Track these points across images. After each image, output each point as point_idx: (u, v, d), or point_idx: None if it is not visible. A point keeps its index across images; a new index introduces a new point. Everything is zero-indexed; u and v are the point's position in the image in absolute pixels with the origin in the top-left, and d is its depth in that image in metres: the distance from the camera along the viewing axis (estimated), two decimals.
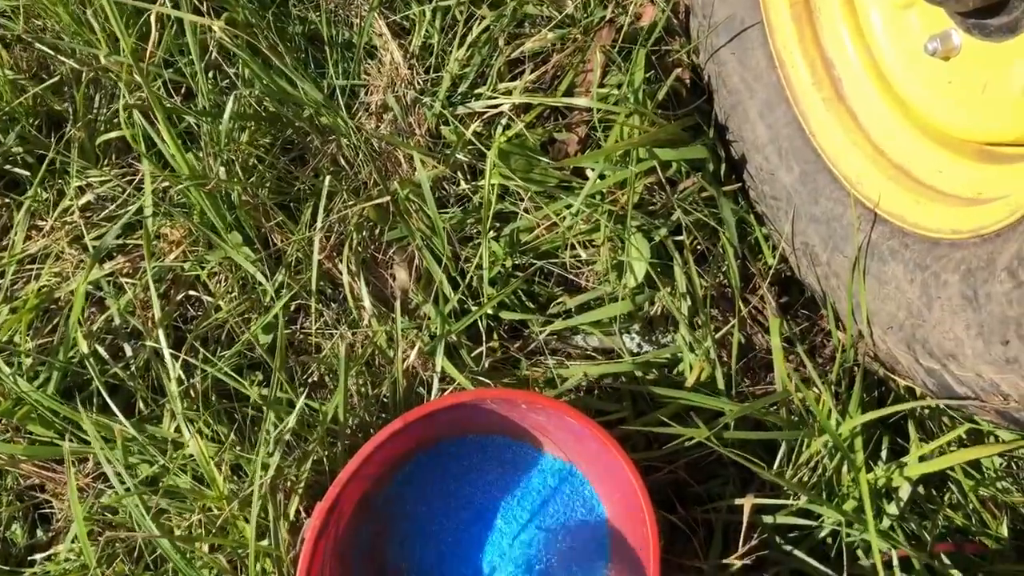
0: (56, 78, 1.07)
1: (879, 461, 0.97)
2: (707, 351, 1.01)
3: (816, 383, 0.97)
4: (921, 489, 0.97)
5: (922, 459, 0.94)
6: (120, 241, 1.05)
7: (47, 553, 0.99)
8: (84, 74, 1.07)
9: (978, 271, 0.77)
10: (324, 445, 0.95)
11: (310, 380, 1.04)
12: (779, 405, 0.98)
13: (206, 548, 0.91)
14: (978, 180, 0.85)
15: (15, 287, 1.06)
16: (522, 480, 0.98)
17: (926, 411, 0.99)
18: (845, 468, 0.94)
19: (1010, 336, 0.74)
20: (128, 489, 0.90)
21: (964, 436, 0.95)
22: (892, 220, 0.90)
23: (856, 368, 0.96)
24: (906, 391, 0.98)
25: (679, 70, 1.08)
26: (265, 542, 0.89)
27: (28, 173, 1.09)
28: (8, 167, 1.08)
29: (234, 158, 1.05)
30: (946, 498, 0.98)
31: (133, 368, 1.02)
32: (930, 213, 0.87)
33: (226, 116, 1.00)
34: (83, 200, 1.06)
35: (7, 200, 1.09)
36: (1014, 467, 1.01)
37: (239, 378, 0.97)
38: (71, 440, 0.96)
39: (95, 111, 1.09)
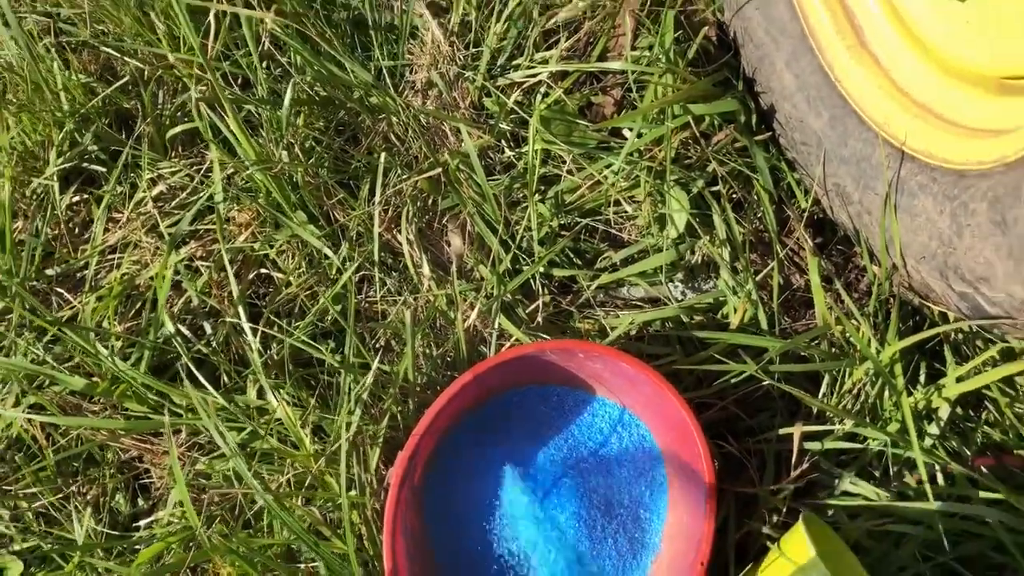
0: (124, 78, 1.14)
1: (918, 385, 1.03)
2: (749, 293, 1.07)
3: (855, 315, 1.03)
4: (959, 410, 1.03)
5: (959, 380, 0.99)
6: (192, 227, 1.13)
7: (150, 519, 1.08)
8: (147, 72, 1.14)
9: (1005, 197, 0.83)
10: (397, 403, 1.03)
11: (378, 345, 1.11)
12: (820, 339, 1.04)
13: (299, 502, 0.99)
14: (999, 112, 0.90)
15: (98, 276, 1.14)
16: (580, 424, 1.05)
17: (960, 335, 1.04)
18: (887, 393, 1.00)
19: None
20: (229, 451, 0.98)
21: (997, 356, 1.00)
22: (919, 156, 0.95)
23: (892, 299, 1.02)
24: (940, 317, 1.04)
25: (706, 28, 1.13)
26: (352, 493, 0.97)
27: (103, 169, 1.17)
28: (85, 164, 1.16)
29: (293, 141, 1.11)
30: (983, 416, 1.04)
31: (214, 344, 1.09)
32: (955, 147, 0.92)
33: (286, 103, 1.07)
34: (156, 191, 1.13)
35: (86, 196, 1.17)
36: None
37: (316, 345, 1.04)
38: (165, 414, 1.04)
39: (160, 107, 1.16)
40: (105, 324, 1.10)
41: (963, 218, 0.88)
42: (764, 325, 1.06)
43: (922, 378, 1.03)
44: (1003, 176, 0.83)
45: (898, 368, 1.00)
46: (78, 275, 1.15)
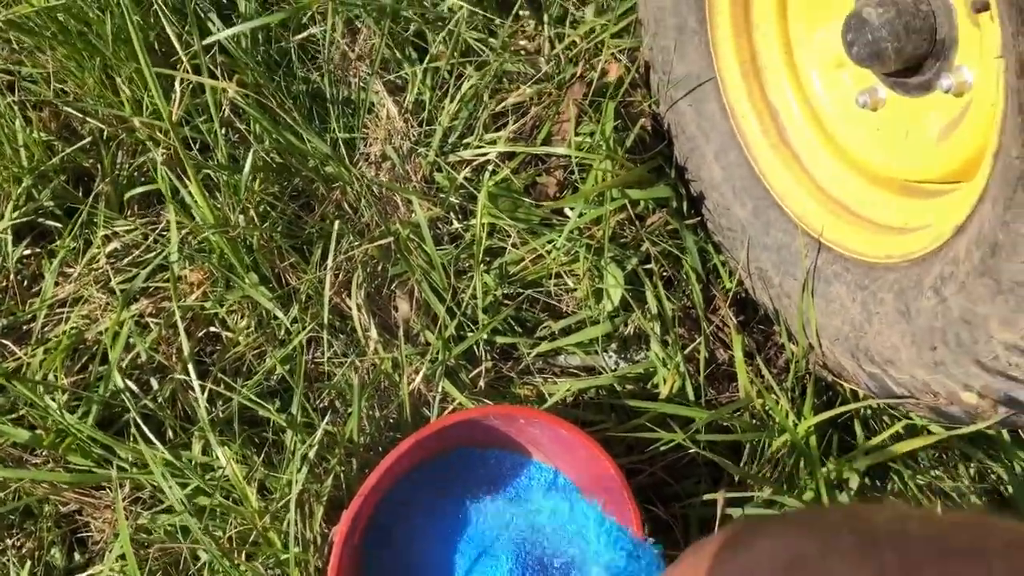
0: (88, 138, 1.17)
1: (831, 456, 1.11)
2: (677, 365, 1.14)
3: (775, 390, 1.11)
4: (867, 480, 1.12)
5: (867, 452, 1.08)
6: (144, 284, 1.15)
7: (86, 574, 1.08)
8: (107, 132, 1.17)
9: (909, 289, 0.92)
10: (341, 463, 1.06)
11: (323, 405, 1.14)
12: (743, 410, 1.12)
13: (242, 557, 1.01)
14: (906, 212, 1.01)
15: (45, 329, 1.15)
16: (517, 486, 1.10)
17: (869, 412, 1.14)
18: (802, 463, 1.08)
19: (937, 343, 0.89)
20: (172, 507, 1.00)
21: (902, 431, 1.09)
22: (834, 247, 1.04)
23: (808, 376, 1.11)
24: (851, 394, 1.13)
25: (643, 120, 1.22)
26: (296, 549, 1.00)
27: (59, 224, 1.19)
28: (40, 220, 1.18)
29: (249, 205, 1.16)
30: (889, 487, 1.13)
31: (160, 400, 1.11)
32: (866, 241, 1.01)
33: (246, 169, 1.11)
34: (109, 247, 1.16)
35: (38, 250, 1.18)
36: (945, 457, 1.16)
37: (263, 403, 1.07)
38: (109, 467, 1.05)
39: (119, 167, 1.19)
40: (51, 377, 1.11)
41: (872, 306, 0.97)
42: (691, 396, 1.14)
43: (835, 450, 1.12)
44: (908, 270, 0.93)
45: (813, 440, 1.08)
46: (24, 327, 1.16)
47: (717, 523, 1.04)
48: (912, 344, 0.92)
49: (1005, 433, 1.13)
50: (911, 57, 0.93)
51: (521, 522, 1.07)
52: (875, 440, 1.08)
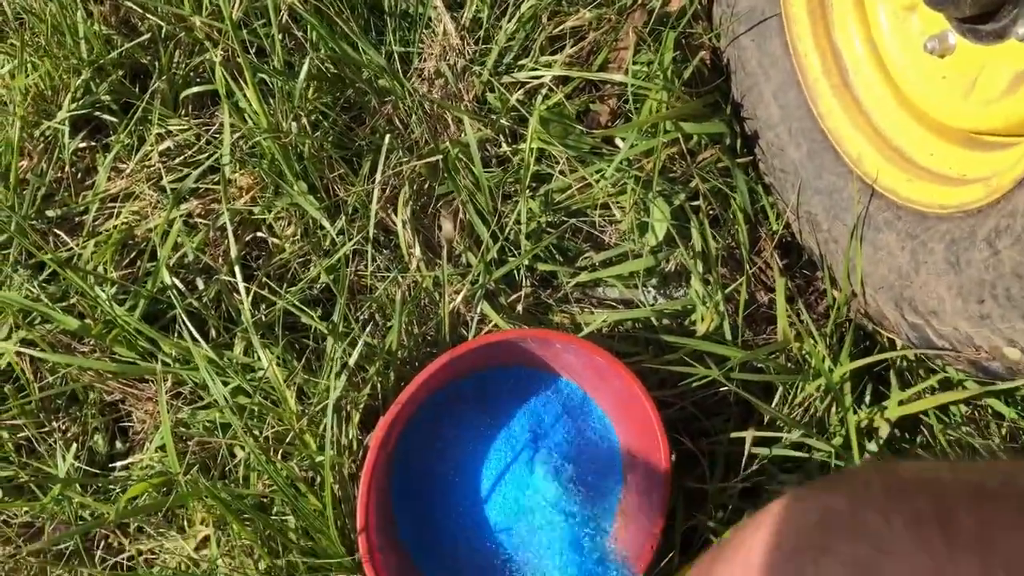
0: (147, 35, 1.17)
1: (864, 405, 1.11)
2: (717, 304, 1.14)
3: (813, 334, 1.11)
4: (898, 431, 1.12)
5: (900, 403, 1.08)
6: (194, 185, 1.17)
7: (127, 461, 1.12)
8: (165, 30, 1.18)
9: (961, 241, 0.91)
10: (379, 373, 1.08)
11: (363, 318, 1.16)
12: (779, 353, 1.12)
13: (279, 457, 1.04)
14: (964, 163, 0.99)
15: (97, 223, 1.17)
16: (547, 404, 1.11)
17: (905, 363, 1.13)
18: (834, 409, 1.08)
19: (985, 296, 0.88)
20: (211, 403, 1.02)
21: (936, 385, 1.09)
22: (887, 195, 1.03)
23: (848, 324, 1.10)
24: (890, 344, 1.12)
25: (703, 52, 1.20)
26: (331, 452, 1.02)
27: (114, 119, 1.20)
28: (97, 113, 1.19)
29: (302, 113, 1.16)
30: (919, 439, 1.13)
31: (206, 300, 1.14)
32: (921, 190, 1.00)
33: (302, 76, 1.12)
34: (163, 146, 1.17)
35: (93, 144, 1.20)
36: (977, 415, 1.16)
37: (306, 309, 1.09)
38: (154, 361, 1.08)
39: (176, 66, 1.19)
40: (101, 269, 1.13)
41: (922, 256, 0.96)
42: (728, 335, 1.14)
43: (868, 399, 1.12)
44: (961, 221, 0.92)
45: (847, 387, 1.08)
46: (76, 219, 1.18)
47: (744, 460, 1.05)
48: (958, 296, 0.91)
49: None
50: (988, 2, 0.90)
51: (549, 440, 1.09)
52: (909, 391, 1.08)
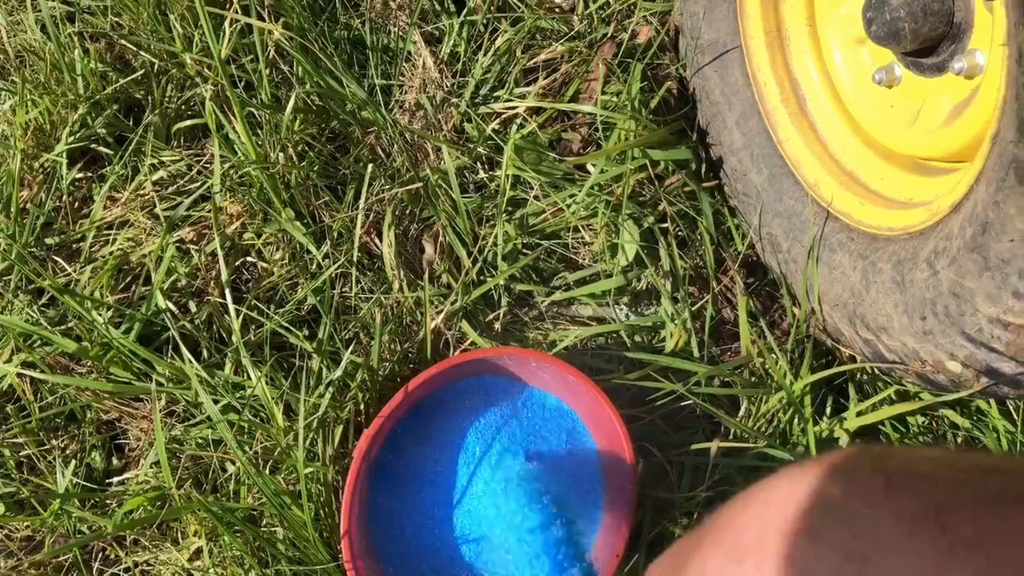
0: (140, 71, 1.24)
1: (824, 416, 1.17)
2: (684, 321, 1.20)
3: (775, 350, 1.17)
4: (857, 441, 1.18)
5: (858, 414, 1.14)
6: (187, 212, 1.23)
7: (123, 476, 1.17)
8: (157, 66, 1.24)
9: (905, 261, 0.97)
10: (362, 390, 1.14)
11: (348, 337, 1.22)
12: (743, 368, 1.18)
13: (267, 471, 1.09)
14: (911, 188, 1.05)
15: (94, 249, 1.23)
16: (527, 418, 1.16)
17: (864, 376, 1.19)
18: (796, 420, 1.14)
19: (927, 313, 0.94)
20: (204, 421, 1.08)
21: (893, 396, 1.15)
22: (841, 217, 1.09)
23: (807, 339, 1.16)
24: (849, 359, 1.18)
25: (669, 82, 1.27)
26: (314, 467, 1.08)
27: (110, 151, 1.26)
28: (93, 145, 1.25)
29: (288, 144, 1.22)
30: None
31: (198, 322, 1.19)
32: (872, 213, 1.06)
33: (288, 109, 1.18)
34: (156, 176, 1.23)
35: (89, 175, 1.26)
36: (934, 426, 1.22)
37: (293, 330, 1.15)
38: (148, 381, 1.14)
39: (168, 100, 1.26)
40: (97, 294, 1.19)
41: (871, 275, 1.03)
42: (695, 352, 1.20)
43: (828, 411, 1.18)
44: (906, 243, 0.98)
45: (807, 400, 1.14)
46: (74, 246, 1.24)
47: (709, 469, 1.11)
48: (904, 313, 0.97)
49: (994, 406, 1.18)
50: (927, 38, 0.96)
51: (529, 450, 1.13)
52: (867, 403, 1.13)
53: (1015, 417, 1.17)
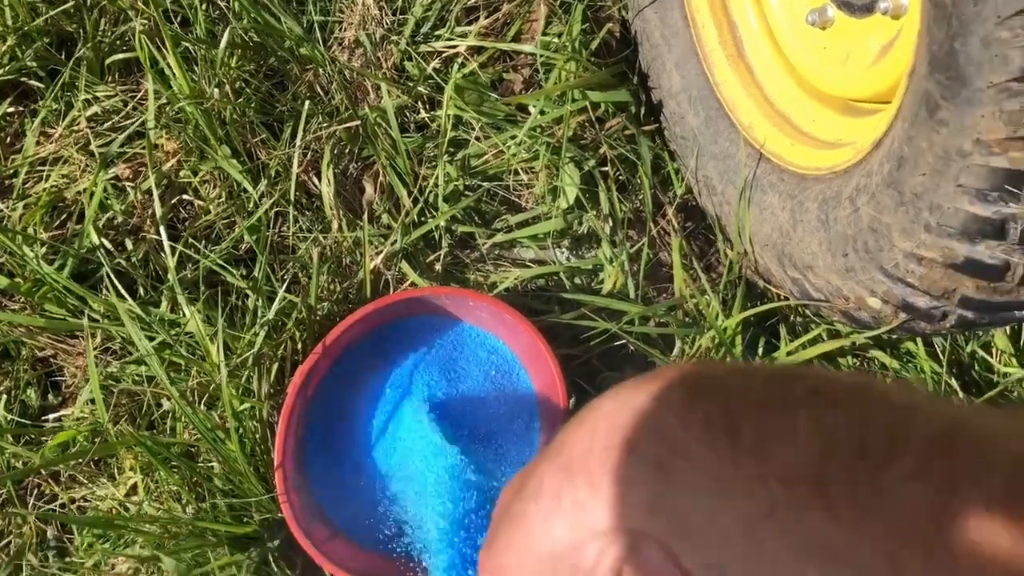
0: (71, 2, 1.21)
1: (756, 356, 1.19)
2: (622, 264, 1.22)
3: (707, 291, 1.19)
4: None
5: (789, 354, 1.16)
6: (122, 149, 1.21)
7: (59, 414, 1.17)
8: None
9: (830, 200, 0.99)
10: (298, 327, 1.14)
11: (286, 277, 1.22)
12: (677, 309, 1.20)
13: (203, 407, 1.10)
14: (840, 129, 1.07)
15: (27, 185, 1.21)
16: (464, 355, 1.17)
17: (797, 319, 1.21)
18: (727, 359, 1.16)
19: (848, 250, 0.96)
20: (140, 358, 1.08)
21: (824, 336, 1.17)
22: (773, 159, 1.11)
23: (739, 280, 1.18)
24: (781, 301, 1.20)
25: (610, 24, 1.26)
26: (250, 402, 1.08)
27: (42, 85, 1.24)
28: (24, 79, 1.23)
29: (224, 80, 1.21)
30: None
31: (134, 260, 1.18)
32: (802, 154, 1.08)
33: (222, 44, 1.16)
34: (90, 111, 1.21)
35: (21, 109, 1.24)
36: (864, 366, 1.25)
37: (228, 267, 1.15)
38: (83, 317, 1.13)
39: (101, 33, 1.23)
40: (31, 230, 1.18)
41: (799, 215, 1.04)
42: (631, 293, 1.21)
43: (760, 350, 1.20)
44: (831, 182, 1.00)
45: (738, 339, 1.16)
46: (6, 182, 1.22)
47: None
48: (828, 251, 0.99)
49: (922, 348, 1.21)
50: None
51: (465, 387, 1.15)
52: (797, 342, 1.16)
53: (942, 359, 1.20)
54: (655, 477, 0.34)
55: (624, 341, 1.17)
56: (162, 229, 1.15)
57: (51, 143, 1.22)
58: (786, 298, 1.14)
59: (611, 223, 1.25)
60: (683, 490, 0.33)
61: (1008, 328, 1.17)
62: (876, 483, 0.29)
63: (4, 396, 1.14)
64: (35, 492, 1.15)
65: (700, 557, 0.33)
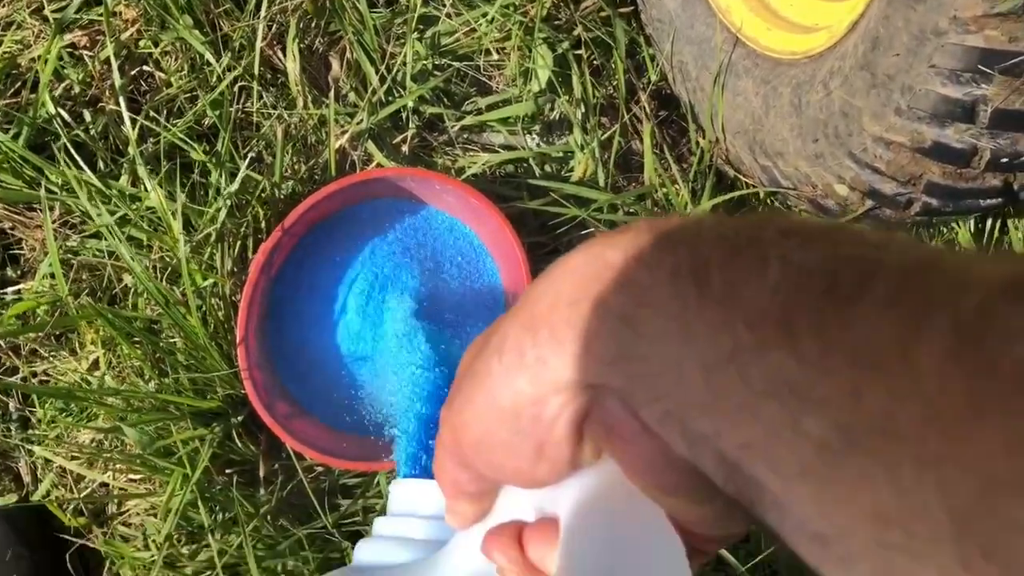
0: None
1: None
2: (593, 151, 1.20)
3: (677, 180, 1.18)
4: None
5: None
6: (78, 15, 1.16)
7: (18, 287, 1.15)
8: None
9: (803, 84, 0.98)
10: (261, 205, 1.12)
11: (250, 155, 1.19)
12: (646, 197, 1.19)
13: (164, 283, 1.09)
14: (818, 13, 1.04)
15: None
16: (430, 238, 1.16)
17: (764, 209, 1.21)
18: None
19: (819, 135, 0.95)
20: (100, 232, 1.06)
21: None
22: (749, 44, 1.08)
23: (710, 169, 1.17)
24: (748, 189, 1.20)
25: None
26: (213, 277, 1.07)
27: None
28: None
29: None
30: None
31: (93, 132, 1.15)
32: (778, 39, 1.06)
33: None
34: None
35: None
36: None
37: (190, 142, 1.12)
38: (40, 189, 1.11)
39: None
40: None
41: (772, 100, 1.03)
42: (601, 181, 1.20)
43: None
44: (806, 66, 0.98)
45: None
46: None
47: None
48: (799, 136, 0.98)
49: None
50: None
51: (430, 270, 1.14)
52: None
53: None
54: (620, 330, 0.33)
55: (592, 230, 1.17)
56: (122, 100, 1.12)
57: (2, 7, 1.17)
58: (755, 187, 1.13)
59: (583, 108, 1.23)
60: (647, 341, 0.32)
61: (972, 224, 1.17)
62: (843, 317, 0.27)
63: None
64: None
65: (659, 406, 0.32)
